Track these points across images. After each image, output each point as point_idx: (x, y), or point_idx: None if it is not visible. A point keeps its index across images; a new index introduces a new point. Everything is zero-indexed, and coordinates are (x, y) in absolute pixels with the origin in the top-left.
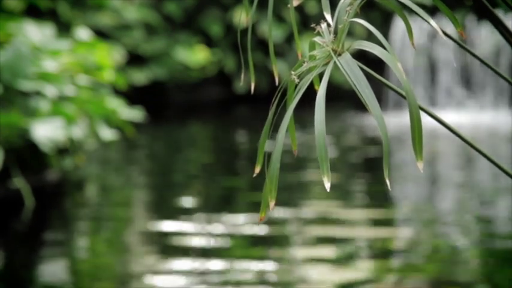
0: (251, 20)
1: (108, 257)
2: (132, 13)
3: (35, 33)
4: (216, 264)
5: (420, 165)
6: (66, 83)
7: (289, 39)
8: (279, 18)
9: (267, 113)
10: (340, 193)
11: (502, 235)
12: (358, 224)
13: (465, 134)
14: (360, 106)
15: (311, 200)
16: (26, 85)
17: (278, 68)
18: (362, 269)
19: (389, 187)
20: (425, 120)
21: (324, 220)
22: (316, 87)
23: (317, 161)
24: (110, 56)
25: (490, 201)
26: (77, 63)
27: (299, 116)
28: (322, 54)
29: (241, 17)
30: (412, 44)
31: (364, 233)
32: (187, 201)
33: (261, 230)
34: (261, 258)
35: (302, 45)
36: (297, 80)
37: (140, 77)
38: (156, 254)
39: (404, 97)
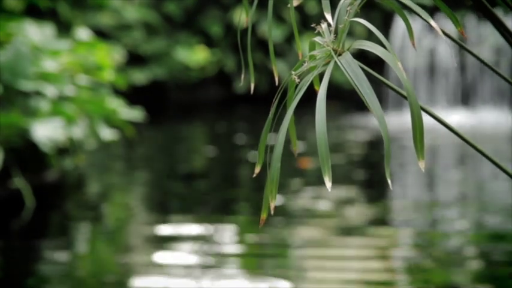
0: (251, 20)
1: (108, 257)
2: (132, 13)
3: (35, 33)
4: (214, 267)
5: (422, 164)
6: (66, 83)
7: (289, 39)
8: (279, 18)
9: (267, 112)
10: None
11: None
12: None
13: (465, 134)
14: (360, 107)
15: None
16: (26, 85)
17: (278, 68)
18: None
19: (390, 186)
20: (425, 119)
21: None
22: (316, 87)
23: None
24: (110, 56)
25: (490, 201)
26: (77, 63)
27: (298, 118)
28: (322, 54)
29: (241, 17)
30: (413, 44)
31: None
32: (188, 202)
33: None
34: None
35: (302, 45)
36: (297, 80)
37: (140, 77)
38: (156, 255)
39: (404, 97)
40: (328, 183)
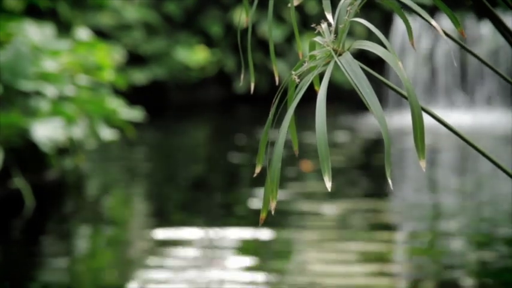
0: (251, 20)
1: (108, 258)
2: (132, 13)
3: (35, 33)
4: (214, 268)
5: (422, 163)
6: (66, 83)
7: (289, 39)
8: (279, 18)
9: (267, 112)
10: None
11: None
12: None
13: (465, 134)
14: (360, 107)
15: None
16: (26, 85)
17: (278, 68)
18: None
19: (391, 186)
20: (425, 120)
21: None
22: (316, 88)
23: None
24: (110, 56)
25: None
26: (77, 63)
27: (299, 116)
28: (322, 54)
29: (241, 17)
30: (412, 45)
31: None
32: (188, 203)
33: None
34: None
35: (302, 45)
36: (297, 80)
37: (140, 77)
38: (156, 255)
39: (404, 97)
40: (328, 183)
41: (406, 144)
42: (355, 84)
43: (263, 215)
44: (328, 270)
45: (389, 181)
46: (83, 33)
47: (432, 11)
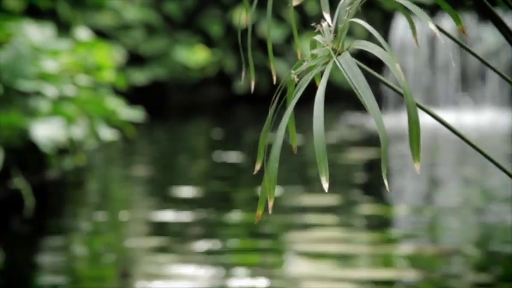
0: (251, 20)
1: (108, 258)
2: (132, 13)
3: (35, 33)
4: (216, 266)
5: (417, 166)
6: (66, 83)
7: (289, 39)
8: (279, 18)
9: (267, 112)
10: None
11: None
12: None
13: (465, 134)
14: (359, 107)
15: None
16: (26, 85)
17: (278, 68)
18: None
19: (387, 188)
20: (425, 120)
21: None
22: (317, 85)
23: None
24: (110, 56)
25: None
26: (77, 63)
27: (299, 116)
28: (322, 54)
29: (241, 17)
30: (416, 41)
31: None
32: (187, 203)
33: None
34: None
35: (302, 45)
36: (296, 79)
37: (140, 77)
38: (156, 255)
39: (403, 96)
40: (325, 184)
41: (405, 146)
42: (353, 84)
43: (259, 213)
44: (327, 266)
45: (385, 182)
46: (83, 33)
47: (433, 10)
